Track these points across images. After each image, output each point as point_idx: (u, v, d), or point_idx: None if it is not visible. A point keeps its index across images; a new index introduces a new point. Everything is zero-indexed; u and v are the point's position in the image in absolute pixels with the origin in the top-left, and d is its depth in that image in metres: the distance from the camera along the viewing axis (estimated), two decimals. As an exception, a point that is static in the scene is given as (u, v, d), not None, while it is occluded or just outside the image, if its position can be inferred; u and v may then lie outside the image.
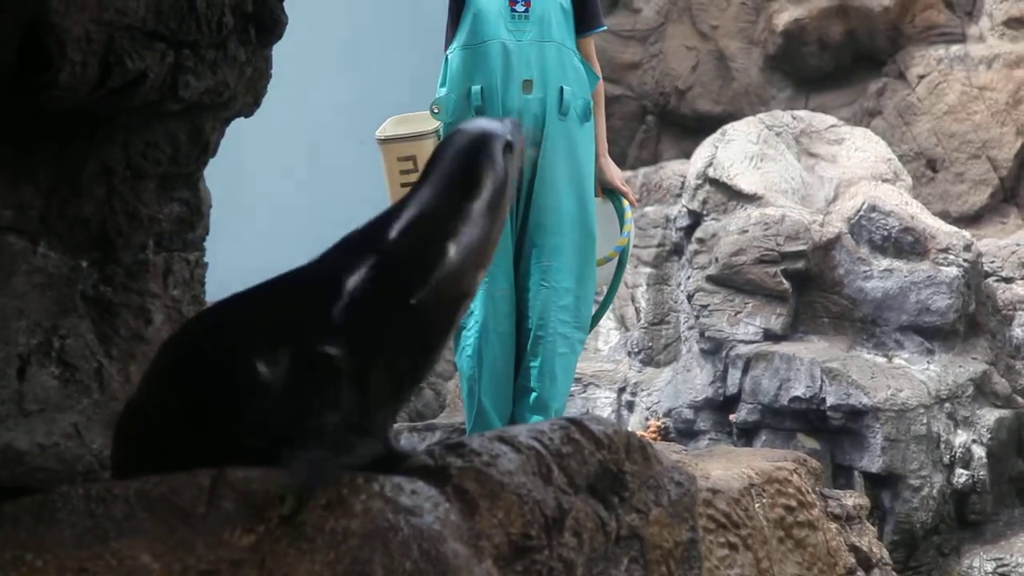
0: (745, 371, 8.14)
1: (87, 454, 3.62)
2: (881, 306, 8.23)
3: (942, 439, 7.84)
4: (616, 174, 5.52)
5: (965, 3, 10.41)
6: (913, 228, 8.31)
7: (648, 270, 9.13)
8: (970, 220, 9.83)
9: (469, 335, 5.18)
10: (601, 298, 5.63)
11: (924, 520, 7.75)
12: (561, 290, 5.20)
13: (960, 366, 8.14)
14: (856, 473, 7.78)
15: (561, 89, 5.10)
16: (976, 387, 8.11)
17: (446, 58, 5.15)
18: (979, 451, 7.94)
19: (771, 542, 3.79)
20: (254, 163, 8.07)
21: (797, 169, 8.81)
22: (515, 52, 5.05)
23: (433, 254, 2.66)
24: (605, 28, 5.44)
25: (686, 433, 8.45)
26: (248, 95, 3.88)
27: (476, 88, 5.04)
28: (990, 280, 8.66)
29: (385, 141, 4.95)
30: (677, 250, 9.01)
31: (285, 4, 3.90)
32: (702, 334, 8.45)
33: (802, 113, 9.46)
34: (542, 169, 5.10)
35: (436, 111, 5.02)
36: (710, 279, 8.42)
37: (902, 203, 8.49)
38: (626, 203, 5.45)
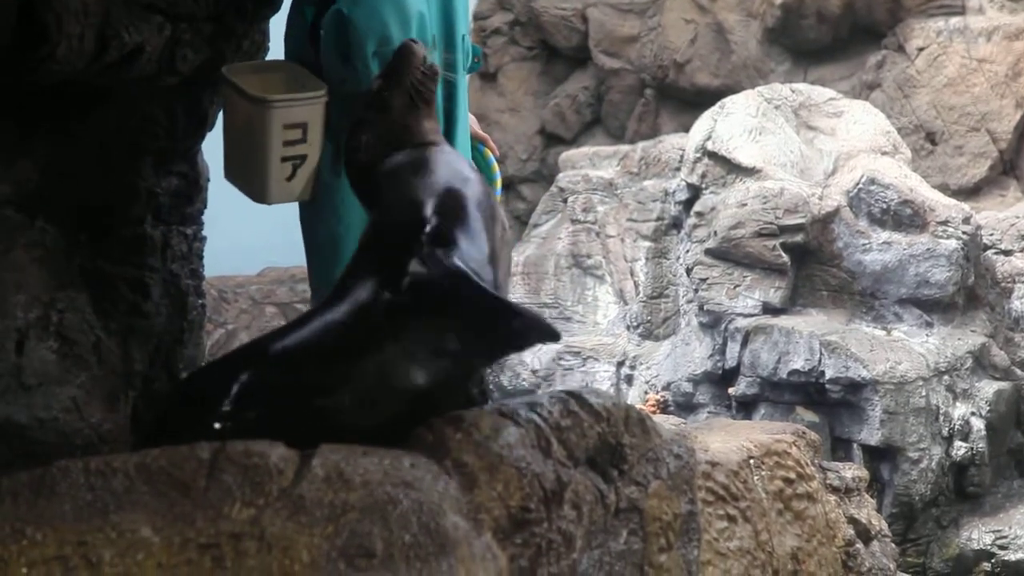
0: (744, 344, 8.14)
1: (86, 428, 3.62)
2: (880, 279, 8.23)
3: (941, 412, 7.85)
4: (472, 119, 4.27)
5: (964, -25, 10.39)
6: (912, 201, 8.30)
7: (647, 244, 9.13)
8: (969, 193, 9.82)
9: None
10: None
11: (923, 492, 7.77)
12: None
13: (959, 339, 8.15)
14: (855, 446, 7.79)
15: (463, 38, 3.97)
16: (975, 360, 8.11)
17: (337, 11, 3.73)
18: (978, 423, 7.95)
19: (770, 514, 3.79)
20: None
21: (796, 142, 8.80)
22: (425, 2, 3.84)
23: None
24: None
25: (685, 406, 8.46)
26: (246, 68, 3.87)
27: (388, 52, 3.52)
28: (989, 253, 8.65)
29: (272, 104, 3.52)
30: (676, 224, 9.01)
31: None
32: (701, 307, 8.45)
33: (801, 86, 9.44)
34: (454, 140, 3.92)
35: (343, 81, 3.69)
36: (709, 252, 8.42)
37: (901, 176, 8.49)
38: (489, 153, 4.31)
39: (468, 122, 4.11)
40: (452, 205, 2.81)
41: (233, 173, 3.63)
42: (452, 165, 2.99)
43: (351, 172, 3.10)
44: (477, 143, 4.29)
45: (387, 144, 3.00)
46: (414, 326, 2.61)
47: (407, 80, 3.03)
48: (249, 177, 3.57)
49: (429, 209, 2.78)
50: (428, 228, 2.73)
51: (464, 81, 4.00)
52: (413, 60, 3.03)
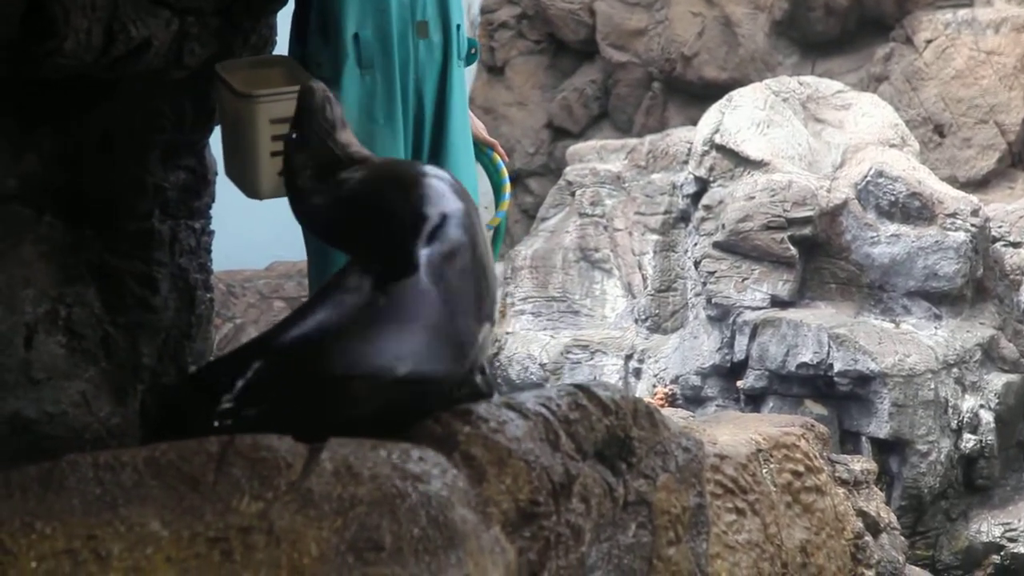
0: (752, 337, 8.13)
1: (95, 422, 3.63)
2: (888, 272, 8.22)
3: (950, 404, 7.84)
4: (480, 125, 4.32)
5: (972, -34, 10.37)
6: (920, 193, 8.29)
7: (655, 237, 9.12)
8: (977, 185, 9.80)
9: None
10: None
11: (932, 485, 7.76)
12: None
13: (968, 331, 8.13)
14: (864, 439, 7.78)
15: (458, 27, 4.00)
16: (984, 352, 8.10)
17: None
18: (987, 416, 7.94)
19: (779, 507, 3.79)
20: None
21: (804, 135, 8.79)
22: None
23: None
24: None
25: (693, 400, 8.45)
26: (253, 62, 3.86)
27: (366, 34, 3.85)
28: (998, 245, 8.63)
29: (257, 99, 3.49)
30: (684, 217, 9.00)
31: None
32: (709, 301, 8.44)
33: (809, 79, 9.42)
34: (449, 132, 4.03)
35: (319, 65, 3.81)
36: (717, 245, 8.41)
37: (909, 168, 8.47)
38: (498, 158, 4.31)
39: (467, 115, 4.11)
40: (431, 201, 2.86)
41: (230, 169, 3.63)
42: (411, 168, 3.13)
43: (303, 215, 3.15)
44: (486, 148, 4.29)
45: (321, 173, 3.07)
46: (415, 317, 2.62)
47: (315, 122, 3.10)
48: (242, 173, 3.56)
49: (417, 206, 2.82)
50: (422, 231, 2.76)
51: (461, 73, 4.01)
52: (314, 103, 3.10)
